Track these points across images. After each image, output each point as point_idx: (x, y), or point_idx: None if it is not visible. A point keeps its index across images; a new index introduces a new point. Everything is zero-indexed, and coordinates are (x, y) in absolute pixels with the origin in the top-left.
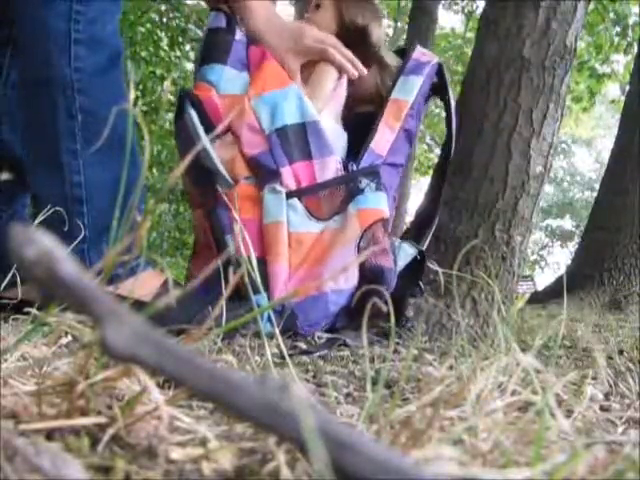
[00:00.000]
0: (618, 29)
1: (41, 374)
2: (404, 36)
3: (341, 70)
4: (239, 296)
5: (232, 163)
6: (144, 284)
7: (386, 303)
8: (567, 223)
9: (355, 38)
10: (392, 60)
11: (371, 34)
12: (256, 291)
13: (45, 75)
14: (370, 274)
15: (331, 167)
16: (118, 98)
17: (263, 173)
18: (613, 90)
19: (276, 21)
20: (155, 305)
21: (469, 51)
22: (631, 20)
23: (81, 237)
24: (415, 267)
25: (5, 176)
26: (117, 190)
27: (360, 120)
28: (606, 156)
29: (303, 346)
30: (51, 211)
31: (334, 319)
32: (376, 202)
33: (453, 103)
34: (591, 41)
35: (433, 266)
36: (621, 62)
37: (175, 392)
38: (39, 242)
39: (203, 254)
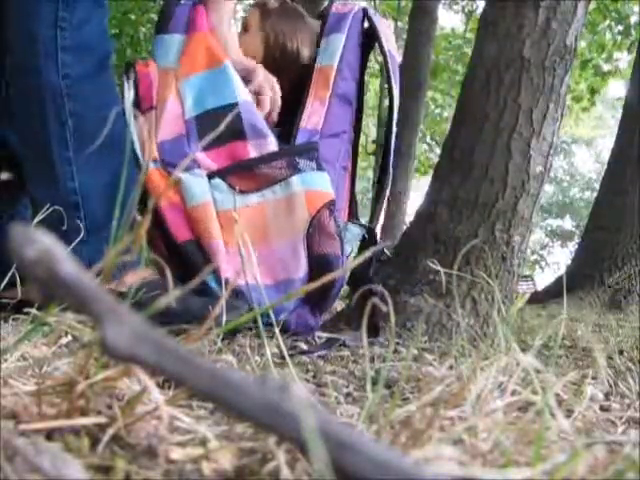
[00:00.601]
0: (620, 28)
1: (41, 374)
2: (404, 36)
3: (258, 96)
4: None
5: (145, 143)
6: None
7: (385, 302)
8: (567, 223)
9: (284, 60)
10: (316, 26)
11: (302, 57)
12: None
13: (34, 83)
14: (319, 262)
15: (269, 149)
16: (109, 101)
17: (175, 158)
18: (618, 89)
19: (231, 30)
20: (155, 305)
21: (469, 51)
22: (633, 19)
23: (78, 240)
24: (366, 244)
25: (5, 176)
26: (112, 191)
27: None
28: (606, 156)
29: (303, 346)
30: (49, 211)
31: (294, 311)
32: (322, 183)
33: (392, 49)
34: (593, 40)
35: (433, 266)
36: (625, 59)
37: (175, 392)
38: (39, 242)
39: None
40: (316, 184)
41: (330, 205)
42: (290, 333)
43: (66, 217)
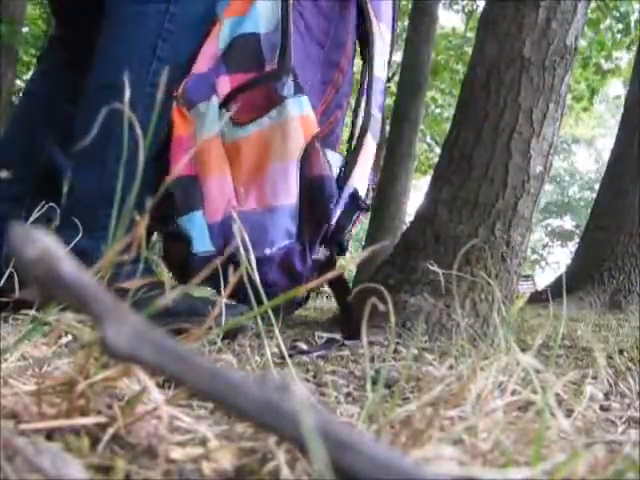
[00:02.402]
0: (620, 26)
1: (41, 374)
2: (404, 36)
3: None
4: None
5: None
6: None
7: (385, 302)
8: (567, 223)
9: None
10: None
11: None
12: (189, 209)
13: (120, 82)
14: (312, 185)
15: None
16: (165, 118)
17: (196, 93)
18: (617, 87)
19: None
20: (155, 304)
21: (470, 51)
22: (633, 17)
23: (98, 237)
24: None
25: (4, 174)
26: (141, 196)
27: None
28: (606, 156)
29: (303, 346)
30: (46, 208)
31: (285, 246)
32: (308, 108)
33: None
34: (594, 38)
35: (432, 268)
36: (625, 59)
37: (175, 392)
38: (39, 241)
39: None
40: (307, 108)
41: (318, 133)
42: (283, 307)
43: (95, 214)
